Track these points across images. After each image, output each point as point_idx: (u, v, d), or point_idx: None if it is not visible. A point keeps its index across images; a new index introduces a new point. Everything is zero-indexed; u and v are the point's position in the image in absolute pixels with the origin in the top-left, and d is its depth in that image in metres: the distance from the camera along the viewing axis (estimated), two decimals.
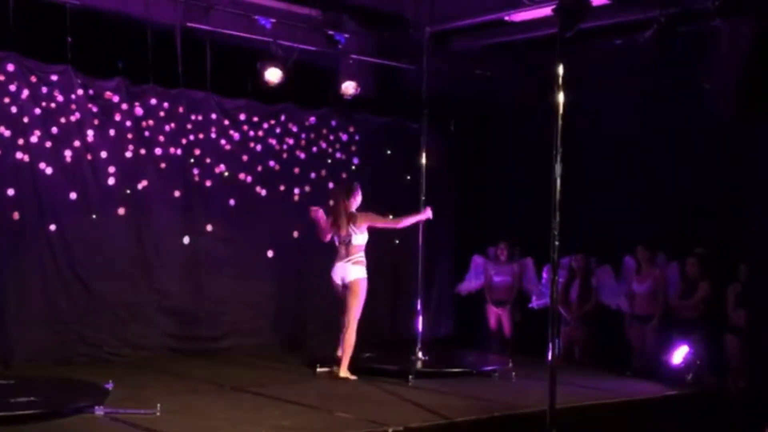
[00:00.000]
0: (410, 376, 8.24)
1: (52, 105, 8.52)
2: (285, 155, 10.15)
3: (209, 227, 9.48)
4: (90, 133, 8.73)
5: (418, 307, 9.27)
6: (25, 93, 8.35)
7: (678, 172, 9.69)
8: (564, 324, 9.94)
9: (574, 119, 6.43)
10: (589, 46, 9.56)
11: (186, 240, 9.29)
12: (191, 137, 9.40)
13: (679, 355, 8.79)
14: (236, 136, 9.76)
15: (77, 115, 8.66)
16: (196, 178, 9.43)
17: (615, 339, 9.83)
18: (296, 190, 10.19)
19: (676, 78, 9.21)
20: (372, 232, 8.22)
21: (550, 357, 6.33)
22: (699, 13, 8.16)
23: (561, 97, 6.32)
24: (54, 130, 8.52)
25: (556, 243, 6.32)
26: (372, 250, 10.60)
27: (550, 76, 6.36)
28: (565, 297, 9.98)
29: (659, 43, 8.21)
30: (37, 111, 8.43)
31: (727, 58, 7.35)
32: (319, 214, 8.09)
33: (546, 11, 8.89)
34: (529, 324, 10.28)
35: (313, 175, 10.34)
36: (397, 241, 10.89)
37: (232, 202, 9.68)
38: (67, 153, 8.58)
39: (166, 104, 9.23)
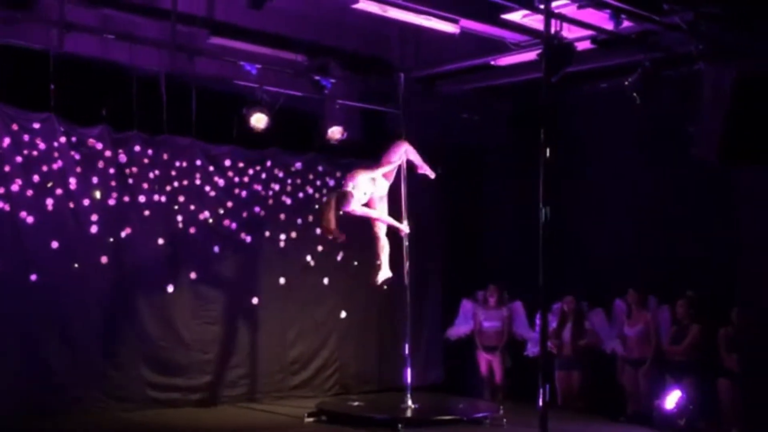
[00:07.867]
0: (400, 425, 8.09)
1: (34, 153, 8.43)
2: (271, 201, 10.08)
3: (193, 275, 9.37)
4: (72, 180, 8.65)
5: (407, 353, 9.12)
6: (6, 141, 8.27)
7: (667, 215, 9.67)
8: (558, 368, 9.82)
9: (561, 163, 6.39)
10: (575, 91, 9.61)
11: (170, 288, 9.18)
12: (175, 184, 9.32)
13: (672, 400, 8.68)
14: (221, 182, 9.69)
15: (60, 162, 8.58)
16: (180, 225, 9.32)
17: (608, 383, 9.70)
18: (282, 236, 10.10)
19: (661, 121, 9.24)
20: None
21: (540, 403, 6.21)
22: (682, 57, 8.23)
23: (547, 141, 6.28)
24: (36, 178, 8.42)
25: (543, 286, 6.24)
26: (357, 296, 10.54)
27: (536, 120, 6.34)
28: (558, 339, 9.85)
29: (644, 86, 8.26)
30: (19, 159, 8.34)
31: (711, 101, 7.37)
32: None
33: (531, 56, 8.93)
34: (521, 370, 10.15)
35: (299, 220, 10.26)
36: (385, 287, 10.76)
37: (216, 249, 9.58)
38: (49, 201, 8.48)
39: (150, 151, 9.16)
